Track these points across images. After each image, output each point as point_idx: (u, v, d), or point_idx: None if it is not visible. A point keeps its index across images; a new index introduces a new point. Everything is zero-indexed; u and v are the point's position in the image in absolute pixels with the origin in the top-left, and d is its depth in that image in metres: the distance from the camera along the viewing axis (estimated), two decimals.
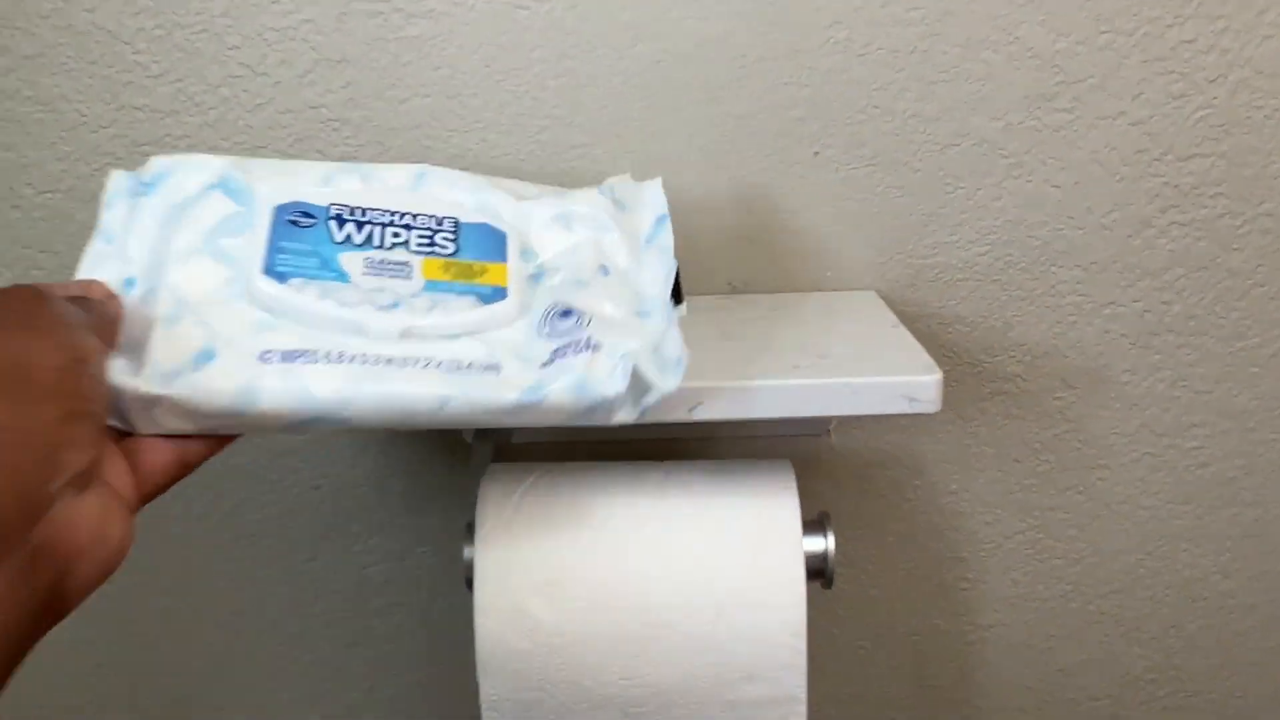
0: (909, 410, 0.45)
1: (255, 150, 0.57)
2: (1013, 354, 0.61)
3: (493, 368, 0.41)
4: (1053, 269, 0.60)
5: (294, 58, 0.56)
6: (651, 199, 0.49)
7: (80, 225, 0.59)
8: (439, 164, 0.57)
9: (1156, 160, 0.58)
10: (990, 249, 0.59)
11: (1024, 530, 0.65)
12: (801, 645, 0.49)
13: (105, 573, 0.33)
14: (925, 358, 0.47)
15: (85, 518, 0.32)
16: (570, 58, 0.56)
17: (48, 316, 0.33)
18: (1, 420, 0.29)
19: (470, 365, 0.40)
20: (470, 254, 0.44)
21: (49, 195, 0.59)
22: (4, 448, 0.29)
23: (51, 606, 0.32)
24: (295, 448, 0.63)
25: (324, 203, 0.44)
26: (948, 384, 0.61)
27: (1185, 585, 0.66)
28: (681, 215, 0.58)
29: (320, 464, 0.64)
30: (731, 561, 0.50)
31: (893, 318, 0.54)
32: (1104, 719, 0.69)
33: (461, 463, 0.64)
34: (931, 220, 0.59)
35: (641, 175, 0.57)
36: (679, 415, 0.45)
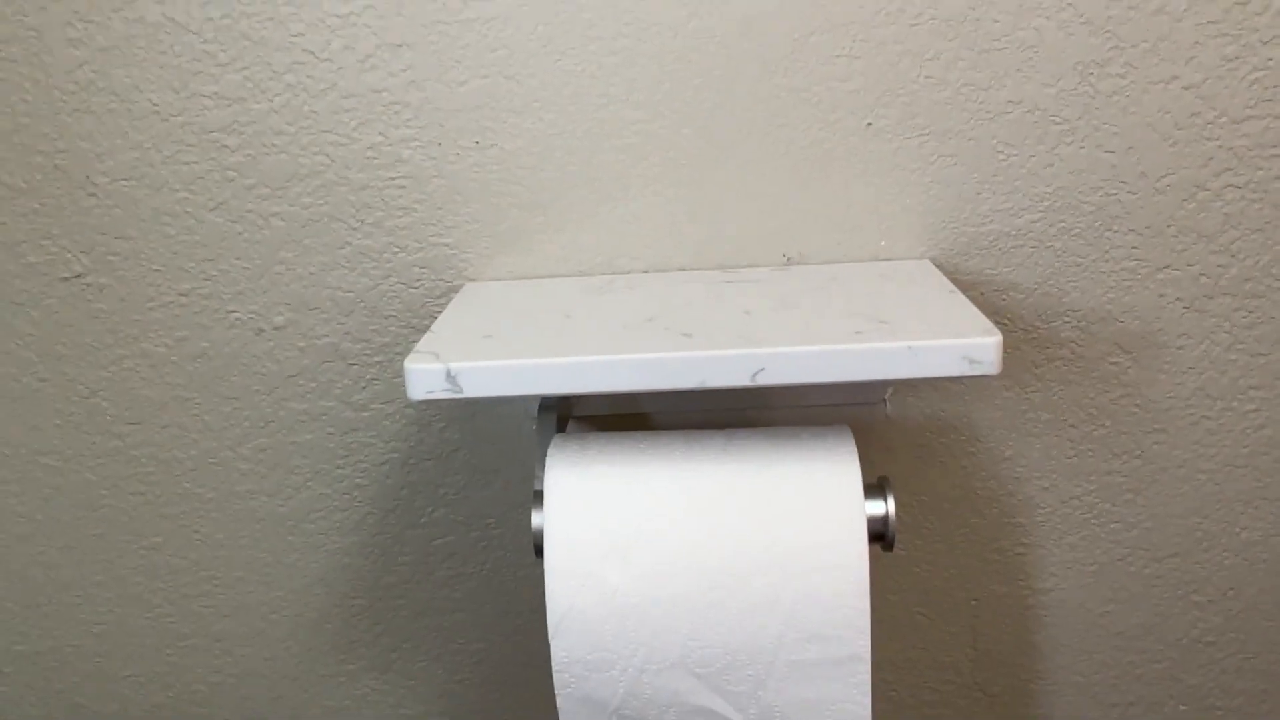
0: (970, 372, 0.46)
1: (320, 135, 0.59)
2: (1067, 319, 0.62)
3: None
4: (1106, 234, 0.60)
5: (356, 43, 0.58)
6: None
7: (152, 211, 0.61)
8: (496, 143, 0.58)
9: (1210, 124, 0.58)
10: (1044, 215, 0.60)
11: (1081, 495, 0.65)
12: (865, 605, 0.50)
13: None
14: (984, 320, 0.48)
15: None
16: (625, 35, 0.57)
17: None
18: None
19: None
20: None
21: (123, 183, 0.61)
22: None
23: None
24: (360, 424, 0.65)
25: None
26: (1003, 350, 0.62)
27: (1243, 548, 0.66)
28: (737, 188, 0.59)
29: (388, 438, 0.65)
30: (795, 524, 0.51)
31: (949, 284, 0.54)
32: (1163, 682, 0.69)
33: (525, 434, 0.65)
34: (985, 188, 0.59)
35: (694, 144, 0.58)
36: (742, 381, 0.47)
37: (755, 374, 0.46)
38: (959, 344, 0.46)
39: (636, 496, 0.51)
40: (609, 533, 0.51)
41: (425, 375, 0.47)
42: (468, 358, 0.47)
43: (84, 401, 0.65)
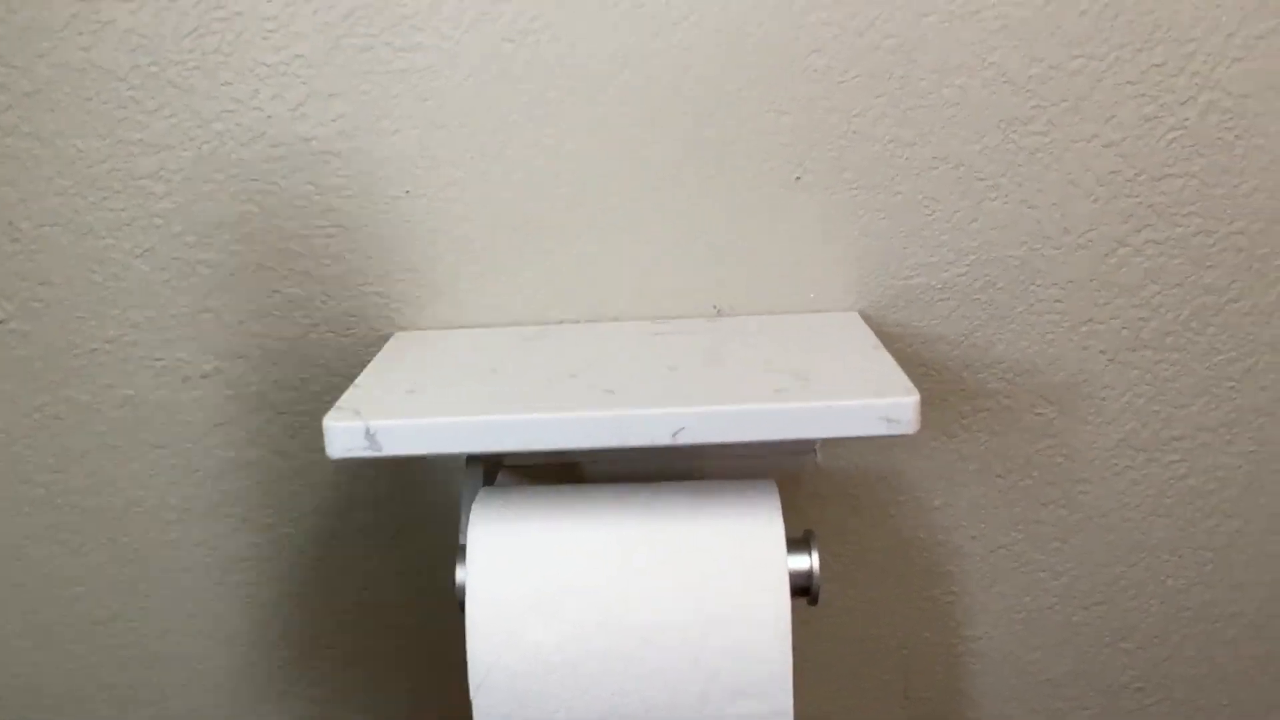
0: (888, 432, 0.46)
1: (247, 184, 0.59)
2: (994, 371, 0.62)
3: None
4: (1031, 287, 0.61)
5: (285, 91, 0.58)
6: None
7: (77, 257, 0.60)
8: (427, 192, 0.58)
9: (1130, 181, 0.59)
10: (969, 269, 0.60)
11: (1008, 544, 0.66)
12: (787, 661, 0.50)
13: None
14: (904, 380, 0.48)
15: None
16: (555, 88, 0.57)
17: None
18: None
19: None
20: None
21: (47, 229, 0.60)
22: None
23: None
24: (288, 473, 0.64)
25: None
26: (930, 401, 0.62)
27: (1168, 596, 0.67)
28: (668, 239, 0.60)
29: (317, 487, 0.65)
30: (718, 581, 0.51)
31: (874, 339, 0.55)
32: None
33: (455, 484, 0.65)
34: (912, 242, 0.60)
35: (626, 195, 0.58)
36: (663, 439, 0.47)
37: (676, 433, 0.47)
38: (877, 404, 0.46)
39: (561, 553, 0.51)
40: (533, 589, 0.51)
41: (344, 433, 0.47)
42: (388, 415, 0.47)
43: (3, 450, 0.64)
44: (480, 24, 0.57)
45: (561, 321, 0.61)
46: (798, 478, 0.64)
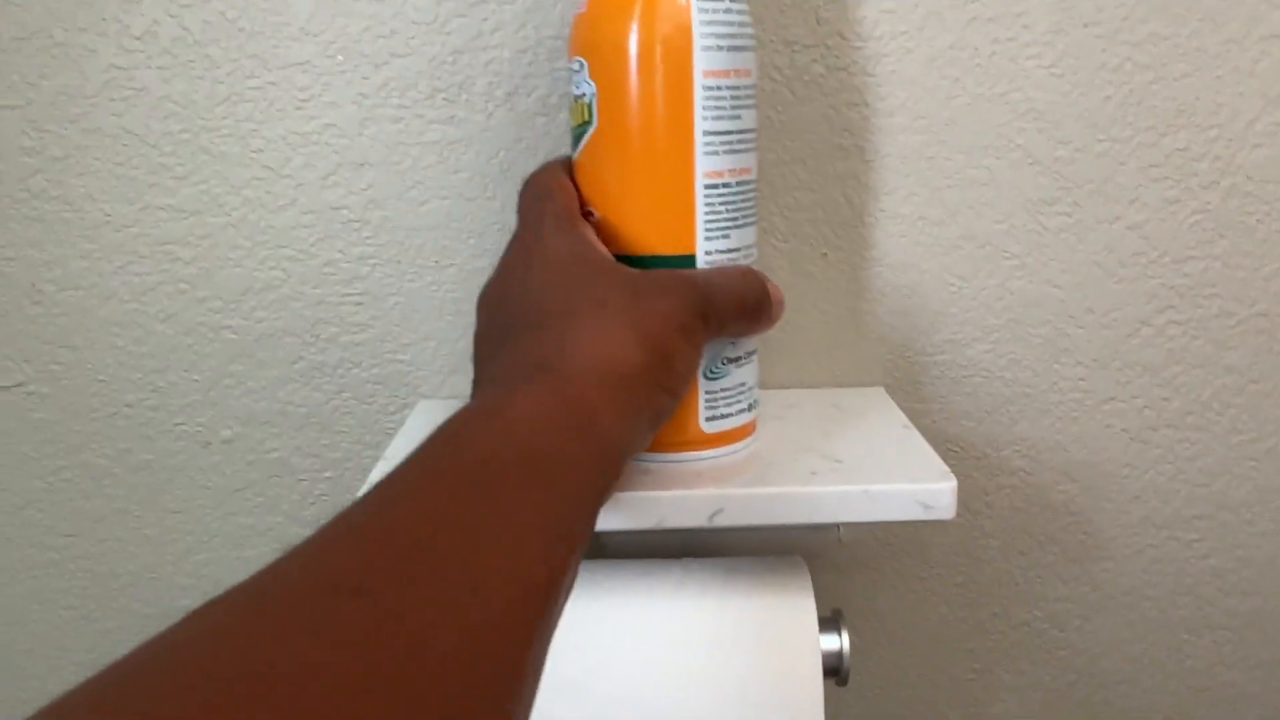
0: (924, 517, 0.46)
1: (277, 249, 0.59)
2: (1017, 448, 0.62)
3: None
4: (1054, 366, 0.61)
5: (317, 160, 0.58)
6: None
7: (100, 321, 0.60)
8: (455, 262, 0.58)
9: (1153, 262, 0.60)
10: (994, 346, 0.61)
11: (1030, 621, 0.66)
12: None
13: None
14: (940, 464, 0.48)
15: None
16: None
17: None
18: None
19: None
20: None
21: (70, 292, 0.59)
22: None
23: None
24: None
25: None
26: (955, 477, 0.62)
27: (1188, 675, 0.67)
28: None
29: None
30: (750, 661, 0.50)
31: (903, 418, 0.55)
32: None
33: None
34: (938, 319, 0.60)
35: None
36: (699, 521, 0.46)
37: (713, 515, 0.46)
38: (914, 489, 0.46)
39: (590, 631, 0.51)
40: (561, 668, 0.50)
41: None
42: None
43: (16, 513, 0.63)
44: (513, 99, 0.57)
45: None
46: (822, 552, 0.64)
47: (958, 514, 0.63)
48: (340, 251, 0.59)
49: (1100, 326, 0.61)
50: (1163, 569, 0.65)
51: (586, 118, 0.45)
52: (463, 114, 0.57)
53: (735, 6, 0.45)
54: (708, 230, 0.46)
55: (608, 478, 0.36)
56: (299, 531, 0.63)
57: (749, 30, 0.46)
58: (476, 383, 0.41)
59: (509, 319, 0.42)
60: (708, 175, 0.45)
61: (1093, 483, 0.63)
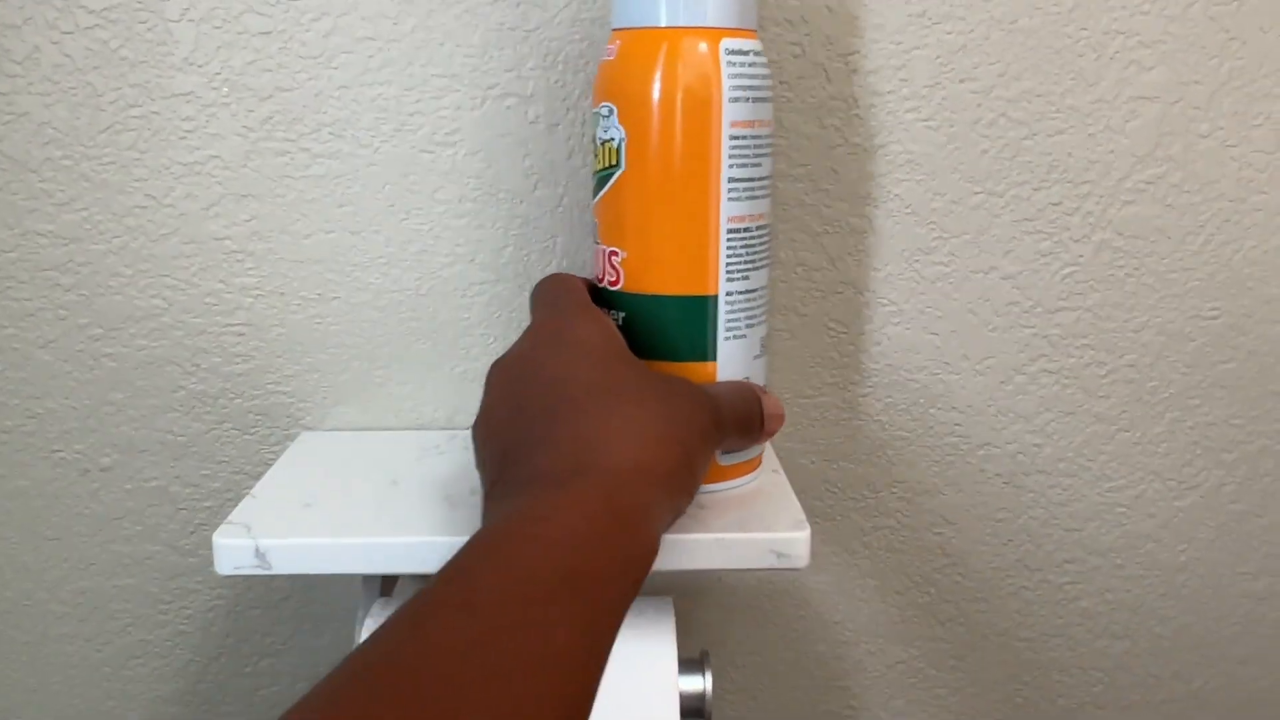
0: (778, 565, 0.47)
1: (158, 278, 0.58)
2: (894, 490, 0.64)
3: None
4: (931, 411, 0.62)
5: (199, 191, 0.58)
6: None
7: None
8: (339, 295, 0.58)
9: (1027, 312, 0.61)
10: (872, 390, 0.62)
11: (906, 659, 0.67)
12: None
13: None
14: (798, 512, 0.49)
15: None
16: (471, 199, 0.58)
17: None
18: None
19: None
20: None
21: None
22: None
23: None
24: (186, 569, 0.63)
25: None
26: (832, 518, 0.63)
27: (1061, 715, 0.68)
28: None
29: (214, 584, 0.64)
30: (608, 701, 0.50)
31: (775, 461, 0.56)
32: None
33: (353, 586, 0.64)
34: (817, 363, 0.61)
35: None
36: None
37: None
38: (768, 538, 0.47)
39: None
40: None
41: (233, 551, 0.46)
42: (279, 534, 0.47)
43: None
44: (399, 134, 0.57)
45: (467, 428, 0.61)
46: (703, 590, 0.65)
47: (836, 554, 0.64)
48: (222, 282, 0.59)
49: (975, 373, 0.62)
50: (1036, 610, 0.66)
51: (614, 161, 0.47)
52: (348, 149, 0.57)
53: (759, 60, 0.47)
54: (729, 272, 0.47)
55: (639, 585, 0.37)
56: (179, 560, 0.63)
57: (769, 82, 0.48)
58: (507, 458, 0.40)
59: (536, 392, 0.41)
60: (731, 220, 0.47)
61: (968, 526, 0.64)
